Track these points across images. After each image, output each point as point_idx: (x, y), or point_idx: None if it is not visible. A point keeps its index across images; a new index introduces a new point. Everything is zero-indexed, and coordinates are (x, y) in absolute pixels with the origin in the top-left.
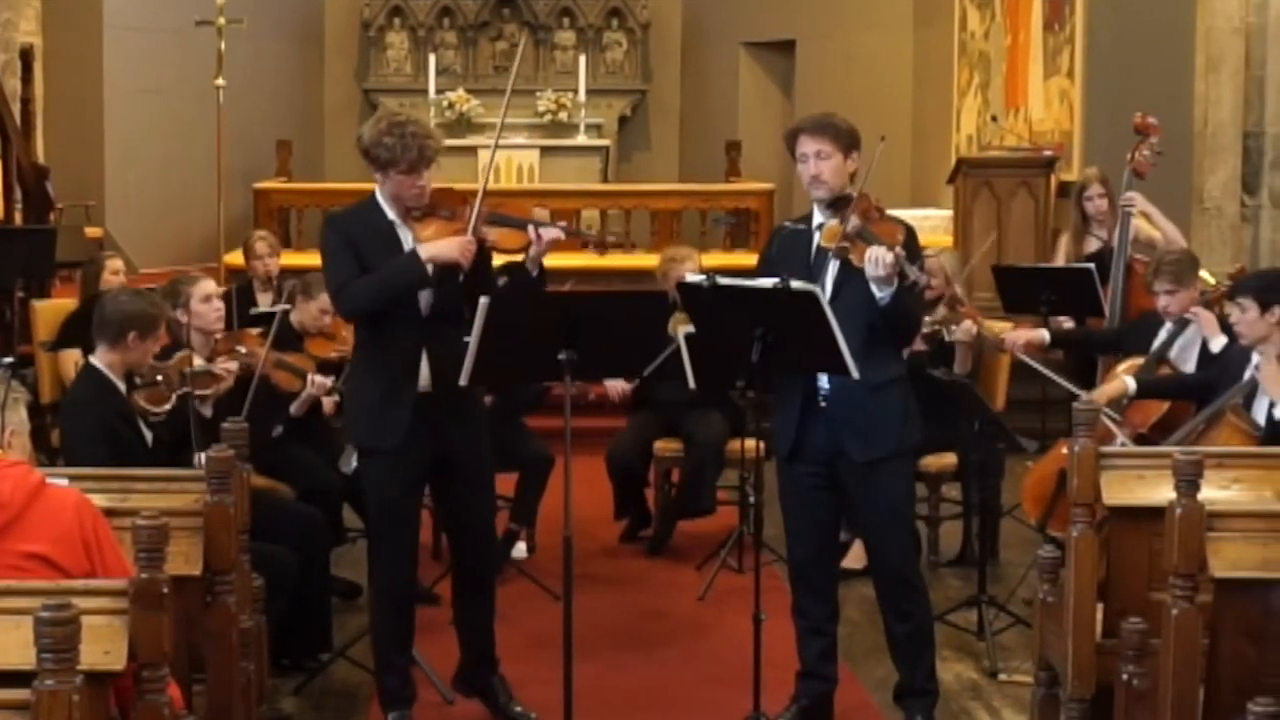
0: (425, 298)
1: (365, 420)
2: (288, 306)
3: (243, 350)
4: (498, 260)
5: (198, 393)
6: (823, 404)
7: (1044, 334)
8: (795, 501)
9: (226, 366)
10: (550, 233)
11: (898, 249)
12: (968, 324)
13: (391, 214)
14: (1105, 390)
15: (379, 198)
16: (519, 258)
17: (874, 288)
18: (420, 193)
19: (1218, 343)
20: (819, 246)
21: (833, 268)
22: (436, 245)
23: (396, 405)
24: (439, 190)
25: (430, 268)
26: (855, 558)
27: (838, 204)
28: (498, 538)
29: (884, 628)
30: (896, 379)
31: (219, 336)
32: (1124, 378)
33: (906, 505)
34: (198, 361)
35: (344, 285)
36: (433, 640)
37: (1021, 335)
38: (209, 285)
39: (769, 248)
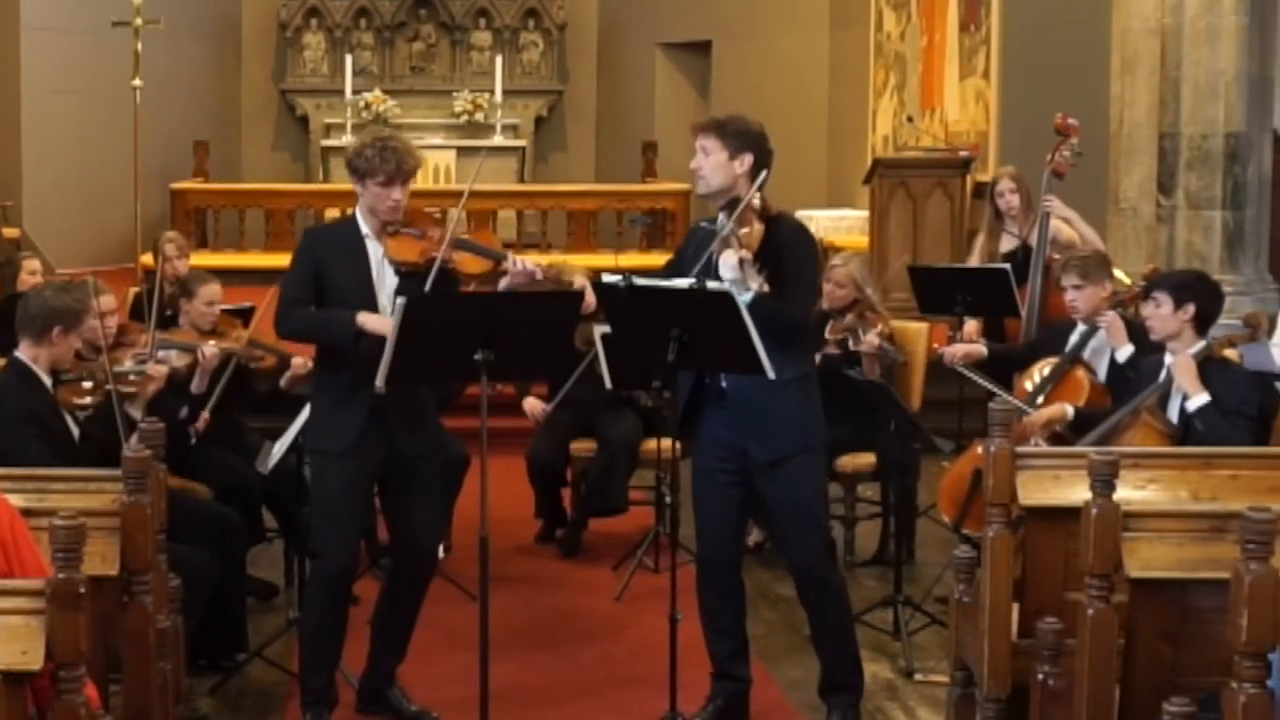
0: (386, 306)
1: (318, 422)
2: None
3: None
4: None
5: (125, 390)
6: (726, 399)
7: (983, 349)
8: (704, 496)
9: (156, 368)
10: (528, 265)
11: (743, 253)
12: (871, 336)
13: (365, 228)
14: (1044, 413)
15: (357, 213)
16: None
17: (734, 290)
18: (394, 206)
19: (1123, 352)
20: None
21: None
22: (375, 320)
23: (350, 409)
24: (415, 211)
25: (396, 290)
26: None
27: (731, 206)
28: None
29: (808, 624)
30: (797, 378)
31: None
32: (1064, 405)
33: (815, 503)
34: (127, 363)
35: (290, 305)
36: (349, 641)
37: (960, 349)
38: (104, 301)
39: (685, 244)
